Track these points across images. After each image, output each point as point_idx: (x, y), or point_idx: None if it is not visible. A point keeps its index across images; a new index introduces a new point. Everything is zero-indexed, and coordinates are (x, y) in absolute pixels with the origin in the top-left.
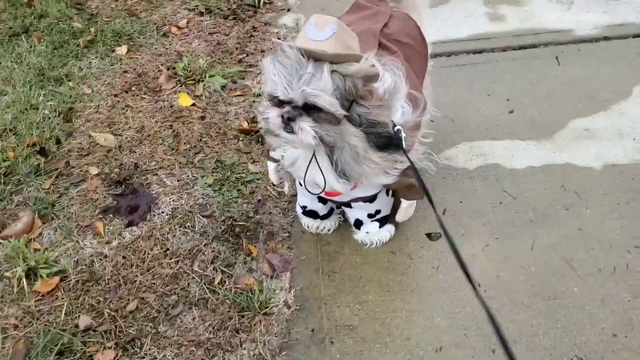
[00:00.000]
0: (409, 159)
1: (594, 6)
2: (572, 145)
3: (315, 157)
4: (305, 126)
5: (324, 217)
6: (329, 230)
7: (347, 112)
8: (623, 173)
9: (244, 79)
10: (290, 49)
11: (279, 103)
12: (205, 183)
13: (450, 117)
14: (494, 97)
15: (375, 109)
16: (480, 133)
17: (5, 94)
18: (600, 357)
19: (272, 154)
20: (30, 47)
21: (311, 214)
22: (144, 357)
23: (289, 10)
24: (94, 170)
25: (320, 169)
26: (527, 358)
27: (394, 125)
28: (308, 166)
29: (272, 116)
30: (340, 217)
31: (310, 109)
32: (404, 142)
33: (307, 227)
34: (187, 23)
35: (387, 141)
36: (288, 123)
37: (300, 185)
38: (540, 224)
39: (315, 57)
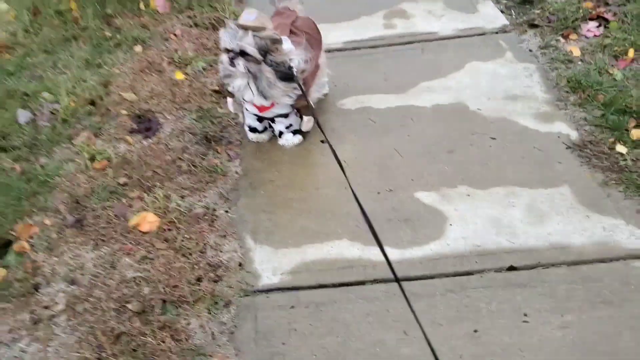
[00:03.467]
0: (299, 85)
1: (456, 17)
2: (417, 95)
3: (249, 84)
4: (240, 62)
5: (261, 132)
6: (264, 139)
7: (264, 58)
8: (442, 109)
9: (216, 64)
10: (232, 24)
11: (227, 52)
12: (192, 117)
13: (348, 84)
14: (377, 73)
15: (279, 57)
16: (364, 91)
17: (66, 74)
18: (402, 188)
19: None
20: (78, 47)
21: (253, 130)
22: (156, 194)
23: None
24: (124, 112)
25: (252, 91)
26: (365, 192)
27: (290, 67)
28: (244, 88)
29: (224, 59)
30: (270, 133)
31: (243, 55)
32: (295, 74)
33: (251, 138)
34: (182, 33)
35: (286, 76)
36: (232, 61)
37: (247, 110)
38: (386, 134)
39: (245, 28)
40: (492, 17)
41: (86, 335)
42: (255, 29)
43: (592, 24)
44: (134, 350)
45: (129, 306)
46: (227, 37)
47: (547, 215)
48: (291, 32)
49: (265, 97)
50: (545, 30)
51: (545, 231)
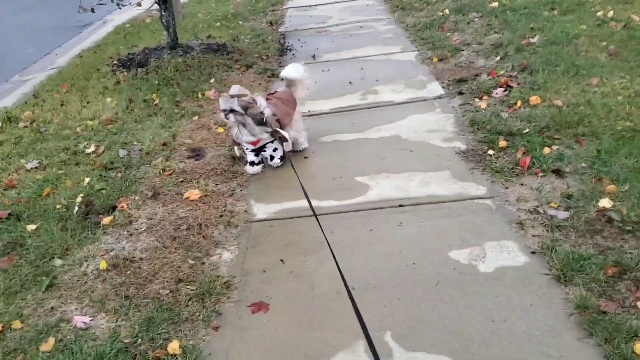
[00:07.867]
0: (271, 127)
1: (410, 92)
2: (371, 133)
3: (239, 129)
4: (231, 116)
5: (258, 164)
6: (259, 171)
7: (245, 112)
8: (384, 139)
9: None
10: (225, 95)
11: (224, 111)
12: (225, 149)
13: (327, 130)
14: (348, 124)
15: (255, 111)
16: (337, 133)
17: (148, 131)
18: (348, 176)
19: (234, 138)
20: (157, 118)
21: (252, 163)
22: (200, 183)
23: None
24: (184, 148)
25: (241, 133)
26: (327, 179)
27: (263, 116)
28: (238, 133)
29: (222, 116)
30: (263, 163)
31: (232, 112)
32: (265, 119)
33: (251, 172)
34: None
35: (260, 121)
36: (226, 116)
37: (246, 149)
38: (346, 152)
39: (232, 96)
40: (434, 90)
41: (157, 238)
42: (238, 96)
43: (501, 90)
44: (182, 243)
45: (181, 227)
46: (222, 102)
47: (430, 184)
48: (267, 99)
49: (251, 135)
50: (468, 95)
51: (427, 190)
